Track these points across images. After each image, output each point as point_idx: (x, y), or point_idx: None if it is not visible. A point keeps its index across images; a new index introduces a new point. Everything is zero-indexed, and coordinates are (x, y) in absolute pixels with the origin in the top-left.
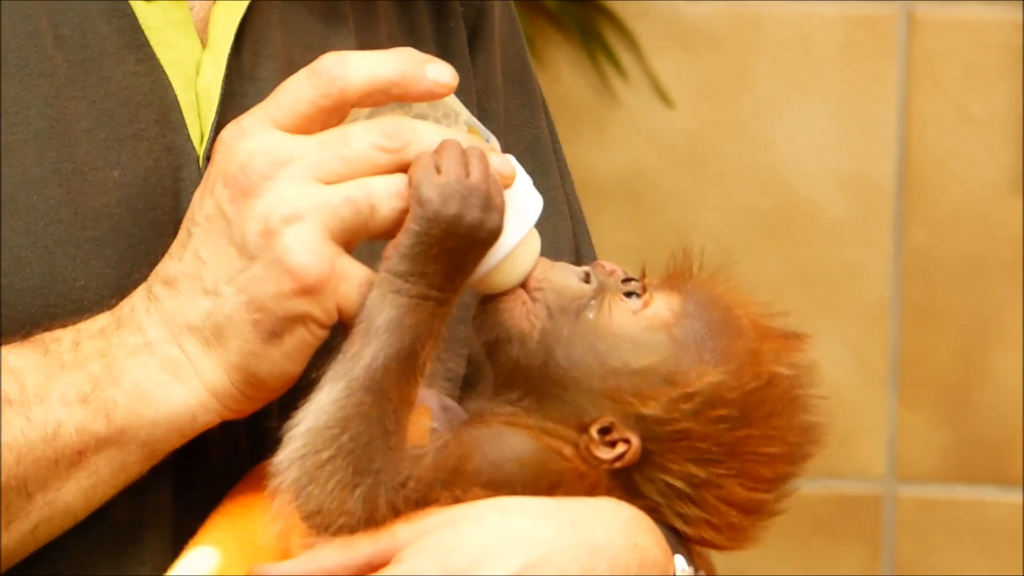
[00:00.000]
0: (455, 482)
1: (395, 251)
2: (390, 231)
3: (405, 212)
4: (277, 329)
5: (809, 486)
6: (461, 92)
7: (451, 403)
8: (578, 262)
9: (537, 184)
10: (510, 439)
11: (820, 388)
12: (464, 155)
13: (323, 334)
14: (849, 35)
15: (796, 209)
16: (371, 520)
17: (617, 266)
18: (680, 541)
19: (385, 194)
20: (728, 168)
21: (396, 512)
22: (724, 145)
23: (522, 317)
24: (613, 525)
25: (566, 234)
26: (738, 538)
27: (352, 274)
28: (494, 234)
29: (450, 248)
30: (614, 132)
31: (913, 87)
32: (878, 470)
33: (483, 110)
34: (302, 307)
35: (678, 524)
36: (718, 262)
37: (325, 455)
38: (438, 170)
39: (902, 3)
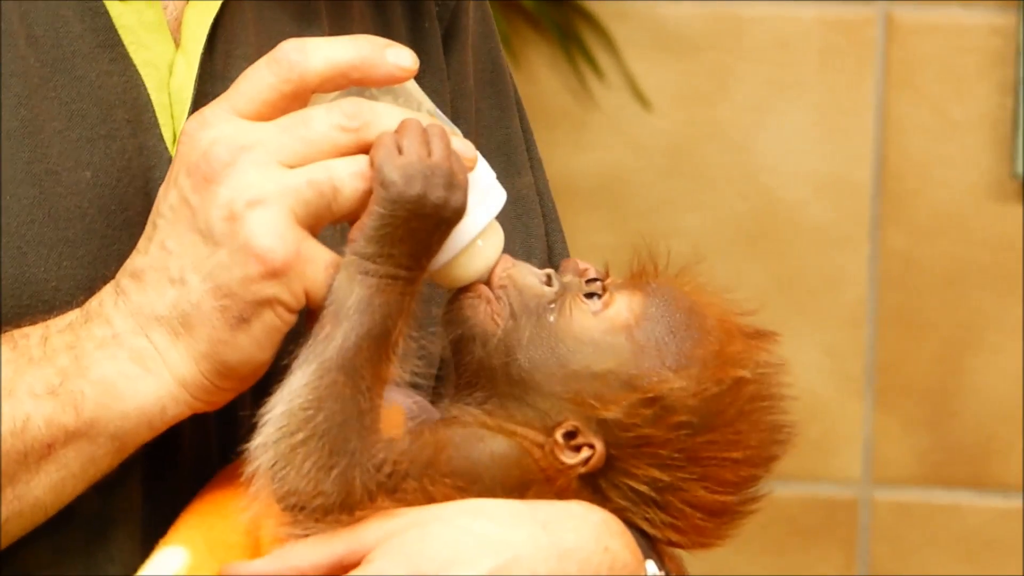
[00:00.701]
0: (427, 473)
1: (361, 233)
2: (354, 212)
3: (368, 193)
4: (245, 314)
5: (785, 490)
6: (434, 93)
7: (424, 403)
8: (551, 262)
9: (509, 184)
10: (487, 437)
11: (795, 391)
12: (425, 134)
13: (291, 319)
14: (828, 38)
15: (774, 213)
16: (346, 502)
17: (589, 265)
18: (651, 545)
19: (347, 175)
20: (706, 171)
21: (371, 496)
22: (702, 148)
23: (486, 315)
24: (584, 529)
25: (538, 234)
26: (705, 540)
27: (318, 257)
28: (458, 212)
29: (415, 228)
30: (591, 134)
31: (891, 90)
32: (854, 474)
33: (455, 110)
34: (269, 291)
35: (645, 527)
36: (694, 265)
37: (300, 436)
38: (400, 150)
39: (880, 5)
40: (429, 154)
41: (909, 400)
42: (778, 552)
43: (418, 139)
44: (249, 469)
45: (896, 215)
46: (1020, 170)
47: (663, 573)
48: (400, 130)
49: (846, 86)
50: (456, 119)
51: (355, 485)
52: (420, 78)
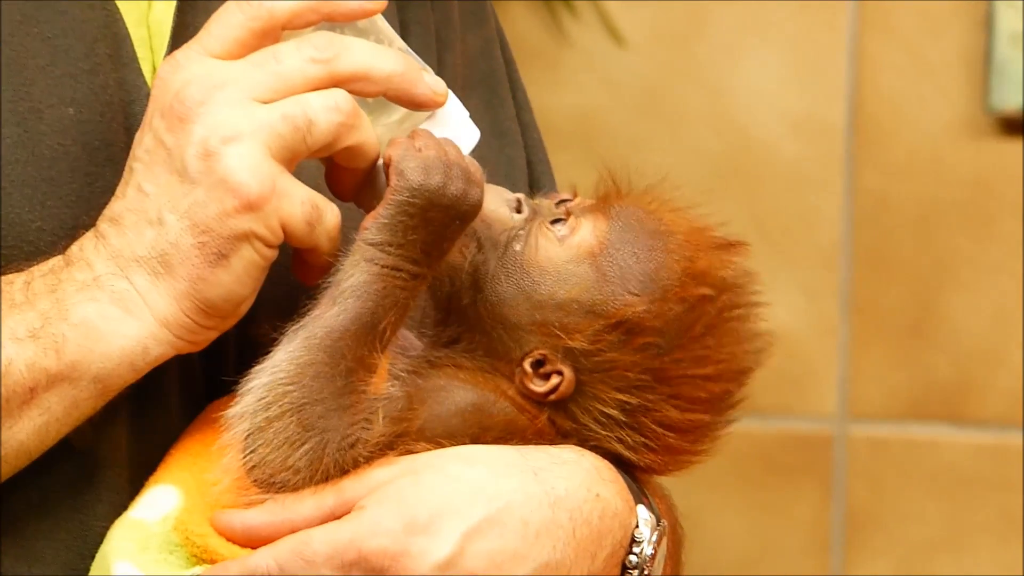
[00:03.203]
0: (402, 443)
1: (373, 222)
2: (329, 147)
3: (343, 126)
4: (223, 250)
5: (761, 426)
6: (420, 25)
7: (409, 338)
8: (532, 191)
9: (491, 116)
10: (453, 394)
11: (771, 329)
12: (438, 141)
13: (270, 254)
14: None
15: (749, 152)
16: (314, 479)
17: (569, 195)
18: (643, 490)
19: (321, 108)
20: (680, 110)
21: (343, 472)
22: (676, 87)
23: (453, 251)
24: (575, 476)
25: (519, 164)
26: (680, 461)
27: (294, 192)
28: (475, 207)
29: (431, 219)
30: (566, 72)
31: (865, 29)
32: (830, 409)
33: (440, 43)
34: (246, 224)
35: (620, 449)
36: (659, 184)
37: (275, 410)
38: (417, 150)
39: None
40: (445, 155)
41: (884, 336)
42: (755, 488)
43: (433, 141)
44: (224, 438)
45: (870, 154)
46: (994, 104)
47: (654, 518)
48: (415, 135)
49: (820, 25)
50: (442, 48)
51: (324, 462)
52: (405, 10)
